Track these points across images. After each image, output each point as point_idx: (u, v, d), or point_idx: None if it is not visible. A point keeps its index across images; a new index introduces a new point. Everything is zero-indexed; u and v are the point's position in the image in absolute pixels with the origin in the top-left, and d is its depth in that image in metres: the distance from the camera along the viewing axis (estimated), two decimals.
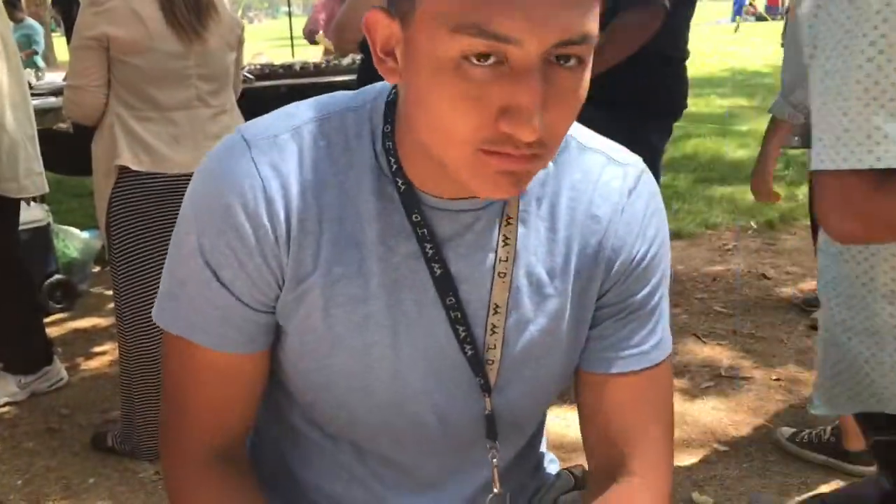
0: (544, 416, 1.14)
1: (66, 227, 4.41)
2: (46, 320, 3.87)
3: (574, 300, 0.94)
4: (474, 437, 0.97)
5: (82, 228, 4.55)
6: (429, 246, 0.87)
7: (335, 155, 0.88)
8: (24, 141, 2.97)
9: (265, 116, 0.91)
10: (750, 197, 5.57)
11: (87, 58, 2.43)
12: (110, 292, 4.17)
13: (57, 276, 4.09)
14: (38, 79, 6.01)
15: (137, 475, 2.66)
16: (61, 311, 4.10)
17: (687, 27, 2.94)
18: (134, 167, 2.45)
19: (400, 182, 0.87)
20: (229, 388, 0.94)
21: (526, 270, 0.91)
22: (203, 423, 0.96)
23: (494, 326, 0.90)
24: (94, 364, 3.58)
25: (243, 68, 3.27)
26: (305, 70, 4.59)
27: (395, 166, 0.87)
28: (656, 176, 3.05)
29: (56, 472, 2.72)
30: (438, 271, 0.88)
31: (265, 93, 4.26)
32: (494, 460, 0.97)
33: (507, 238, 0.89)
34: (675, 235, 4.65)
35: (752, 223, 5.12)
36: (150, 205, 2.50)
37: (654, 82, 2.77)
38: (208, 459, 0.96)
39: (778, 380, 3.15)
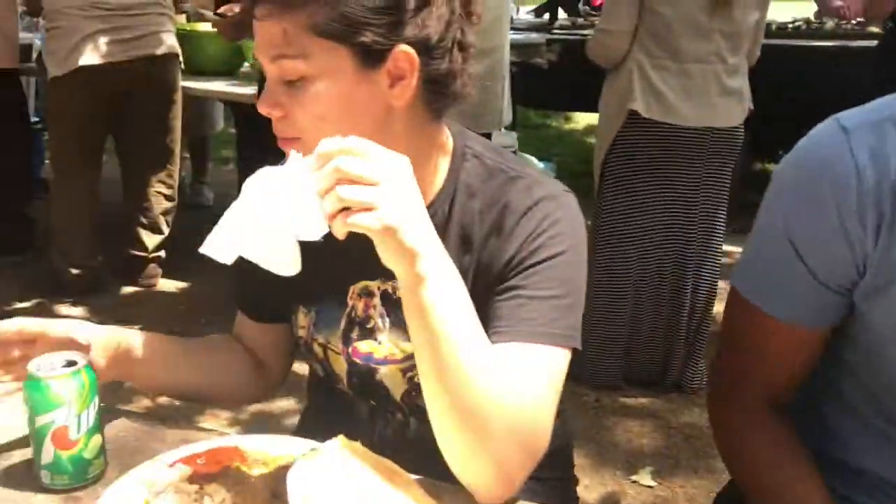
0: None
1: (527, 156, 4.78)
2: None
3: None
4: None
5: (539, 159, 4.90)
6: None
7: None
8: (497, 80, 3.06)
9: (868, 104, 0.92)
10: None
11: (623, 4, 2.56)
12: None
13: None
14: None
15: (581, 398, 2.85)
16: None
17: None
18: (644, 114, 2.56)
19: None
20: (786, 355, 1.02)
21: None
22: (755, 376, 1.05)
23: None
24: None
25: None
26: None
27: None
28: None
29: None
30: None
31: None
32: None
33: None
34: None
35: None
36: (652, 151, 2.60)
37: None
38: (756, 403, 1.05)
39: None
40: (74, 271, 3.55)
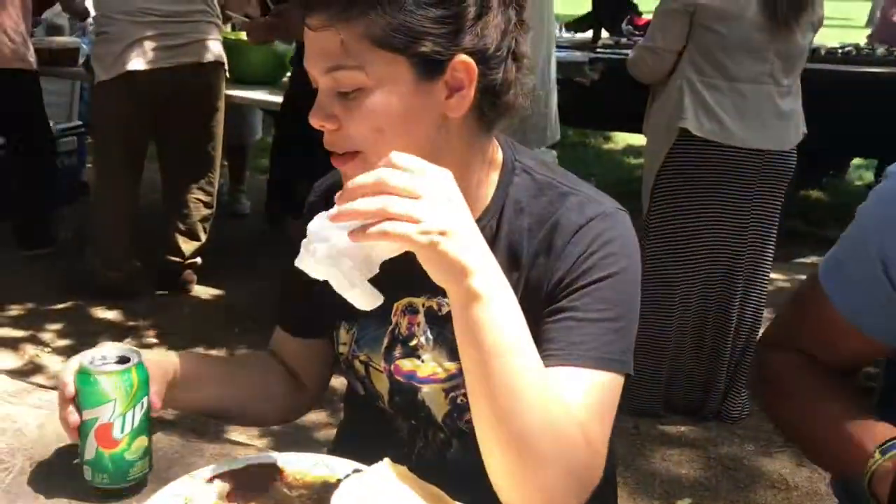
0: None
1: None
2: None
3: None
4: None
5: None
6: None
7: None
8: (542, 97, 3.11)
9: None
10: None
11: (673, 23, 2.52)
12: None
13: None
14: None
15: (619, 425, 2.76)
16: None
17: None
18: (695, 132, 2.50)
19: None
20: (834, 344, 1.05)
21: None
22: (799, 337, 1.10)
23: None
24: None
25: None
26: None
27: None
28: None
29: None
30: None
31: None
32: None
33: None
34: None
35: None
36: (703, 171, 2.55)
37: None
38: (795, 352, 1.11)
39: None
40: (110, 274, 3.56)
